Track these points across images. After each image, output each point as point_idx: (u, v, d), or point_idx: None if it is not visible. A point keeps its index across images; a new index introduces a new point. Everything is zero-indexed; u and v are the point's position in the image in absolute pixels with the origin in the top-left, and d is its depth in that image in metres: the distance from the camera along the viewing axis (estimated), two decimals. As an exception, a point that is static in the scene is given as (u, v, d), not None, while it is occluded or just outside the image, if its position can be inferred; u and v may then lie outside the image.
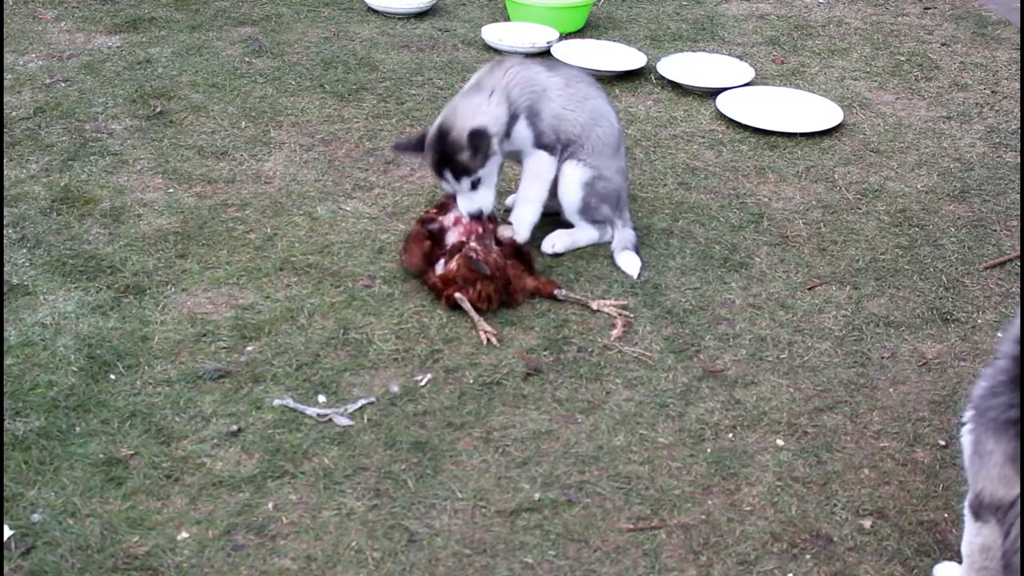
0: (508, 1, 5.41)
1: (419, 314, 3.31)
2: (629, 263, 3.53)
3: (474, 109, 3.38)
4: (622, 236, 3.60)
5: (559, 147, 3.54)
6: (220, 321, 3.24)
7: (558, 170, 3.57)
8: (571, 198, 3.57)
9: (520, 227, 3.50)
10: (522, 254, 3.44)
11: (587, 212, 3.59)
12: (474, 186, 3.36)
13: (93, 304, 3.26)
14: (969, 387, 3.12)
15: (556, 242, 3.60)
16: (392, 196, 3.89)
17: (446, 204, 3.47)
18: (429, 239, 3.39)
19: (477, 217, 3.38)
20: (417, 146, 3.45)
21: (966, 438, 2.30)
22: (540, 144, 3.50)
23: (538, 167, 3.53)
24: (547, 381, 3.09)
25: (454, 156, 3.32)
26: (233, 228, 3.67)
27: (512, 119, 3.44)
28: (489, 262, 3.30)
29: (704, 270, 3.58)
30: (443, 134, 3.35)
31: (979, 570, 2.35)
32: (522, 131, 3.47)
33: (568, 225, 3.65)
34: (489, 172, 3.37)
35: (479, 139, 3.30)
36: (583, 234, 3.62)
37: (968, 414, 2.30)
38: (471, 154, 3.31)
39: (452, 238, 3.38)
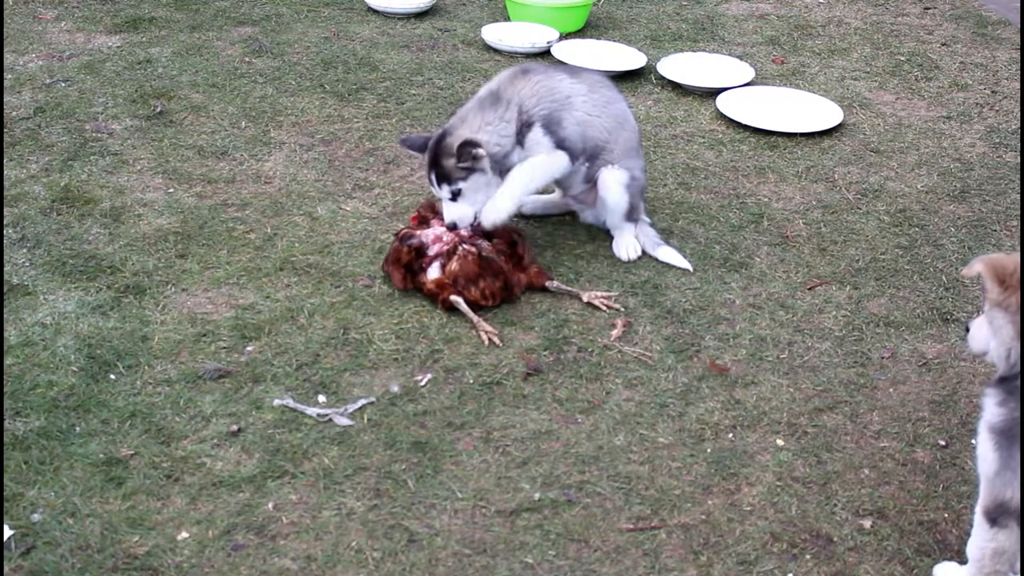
0: (508, 1, 5.41)
1: (419, 314, 3.31)
2: (677, 258, 3.58)
3: (480, 123, 3.38)
4: (647, 232, 3.64)
5: (583, 157, 3.52)
6: (220, 321, 3.24)
7: (597, 178, 3.57)
8: (617, 201, 3.56)
9: (501, 201, 3.39)
10: (515, 249, 3.43)
11: (631, 213, 3.60)
12: (454, 197, 3.36)
13: (93, 304, 3.26)
14: (969, 387, 3.14)
15: (629, 248, 3.60)
16: (392, 196, 3.89)
17: (425, 218, 3.47)
18: (411, 254, 3.35)
19: (451, 228, 3.38)
20: (422, 146, 3.46)
21: (992, 455, 2.28)
22: (562, 147, 3.47)
23: (550, 159, 3.46)
24: (547, 381, 3.09)
25: (441, 160, 3.35)
26: (233, 228, 3.67)
27: (525, 127, 3.42)
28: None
29: (704, 270, 3.58)
30: (442, 137, 3.38)
31: (988, 574, 2.35)
32: (538, 138, 3.44)
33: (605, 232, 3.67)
34: (471, 188, 3.35)
35: (466, 149, 3.30)
36: (630, 233, 3.63)
37: (988, 433, 2.29)
38: (455, 162, 3.32)
39: (434, 251, 3.37)
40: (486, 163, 3.35)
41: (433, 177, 3.38)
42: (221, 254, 3.53)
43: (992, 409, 2.29)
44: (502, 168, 3.42)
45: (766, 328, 3.34)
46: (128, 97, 4.46)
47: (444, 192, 3.37)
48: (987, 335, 2.34)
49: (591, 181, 3.60)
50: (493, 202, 3.41)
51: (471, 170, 3.34)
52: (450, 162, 3.34)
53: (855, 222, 3.90)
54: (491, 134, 3.38)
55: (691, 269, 3.56)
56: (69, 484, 2.66)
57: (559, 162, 3.49)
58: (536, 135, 3.44)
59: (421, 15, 5.42)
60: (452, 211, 3.38)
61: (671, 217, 3.85)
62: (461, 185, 3.35)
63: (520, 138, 3.43)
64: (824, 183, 4.13)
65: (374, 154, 4.15)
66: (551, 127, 3.44)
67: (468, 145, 3.31)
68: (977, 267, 2.28)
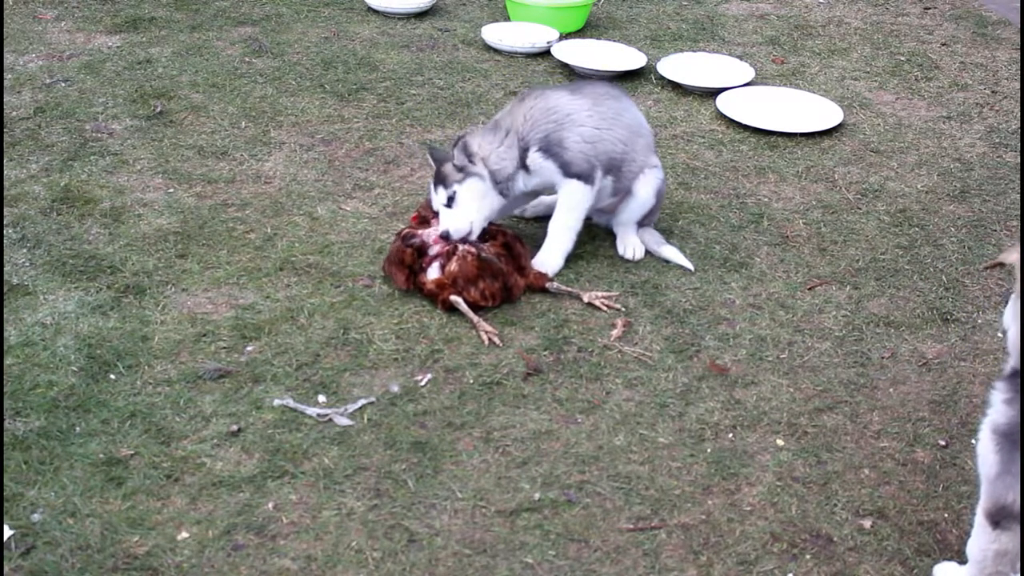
0: (508, 1, 5.41)
1: (419, 314, 3.31)
2: (680, 257, 3.58)
3: (481, 142, 3.42)
4: (650, 232, 3.66)
5: (598, 173, 3.49)
6: (220, 321, 3.24)
7: (634, 185, 3.56)
8: (644, 202, 3.57)
9: (551, 257, 3.48)
10: (513, 251, 3.43)
11: (649, 216, 3.62)
12: (449, 203, 3.37)
13: (93, 304, 3.26)
14: (969, 387, 3.14)
15: (635, 248, 3.61)
16: (392, 196, 3.89)
17: (425, 218, 3.48)
18: (413, 254, 3.35)
19: (444, 237, 3.36)
20: (443, 161, 3.49)
21: (992, 456, 2.28)
22: (569, 173, 3.45)
23: (571, 197, 3.49)
24: (547, 381, 3.09)
25: (442, 164, 3.40)
26: (233, 228, 3.67)
27: (524, 152, 3.43)
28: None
29: (704, 270, 3.58)
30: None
31: (990, 575, 2.35)
32: (539, 162, 3.44)
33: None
34: (466, 193, 3.36)
35: (462, 148, 3.34)
36: (635, 233, 3.64)
37: (990, 434, 2.29)
38: (451, 162, 3.35)
39: (435, 251, 3.37)
40: (483, 168, 3.37)
41: (433, 182, 3.41)
42: (221, 254, 3.53)
43: (999, 407, 2.28)
44: (505, 190, 3.45)
45: (766, 328, 3.34)
46: (128, 97, 4.46)
47: (440, 196, 3.38)
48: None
49: (619, 193, 3.58)
50: (544, 257, 3.47)
51: (465, 174, 3.35)
52: (448, 165, 3.37)
53: (855, 222, 3.90)
54: (491, 152, 3.41)
55: (693, 269, 3.56)
56: (69, 484, 2.66)
57: (578, 192, 3.48)
58: (536, 158, 3.44)
59: (421, 15, 5.42)
60: (447, 219, 3.38)
61: (671, 217, 3.85)
62: (456, 188, 3.35)
63: (523, 163, 3.45)
64: (824, 183, 4.13)
65: (374, 154, 4.16)
66: (550, 149, 3.43)
67: (461, 140, 3.36)
68: (1012, 256, 2.31)
